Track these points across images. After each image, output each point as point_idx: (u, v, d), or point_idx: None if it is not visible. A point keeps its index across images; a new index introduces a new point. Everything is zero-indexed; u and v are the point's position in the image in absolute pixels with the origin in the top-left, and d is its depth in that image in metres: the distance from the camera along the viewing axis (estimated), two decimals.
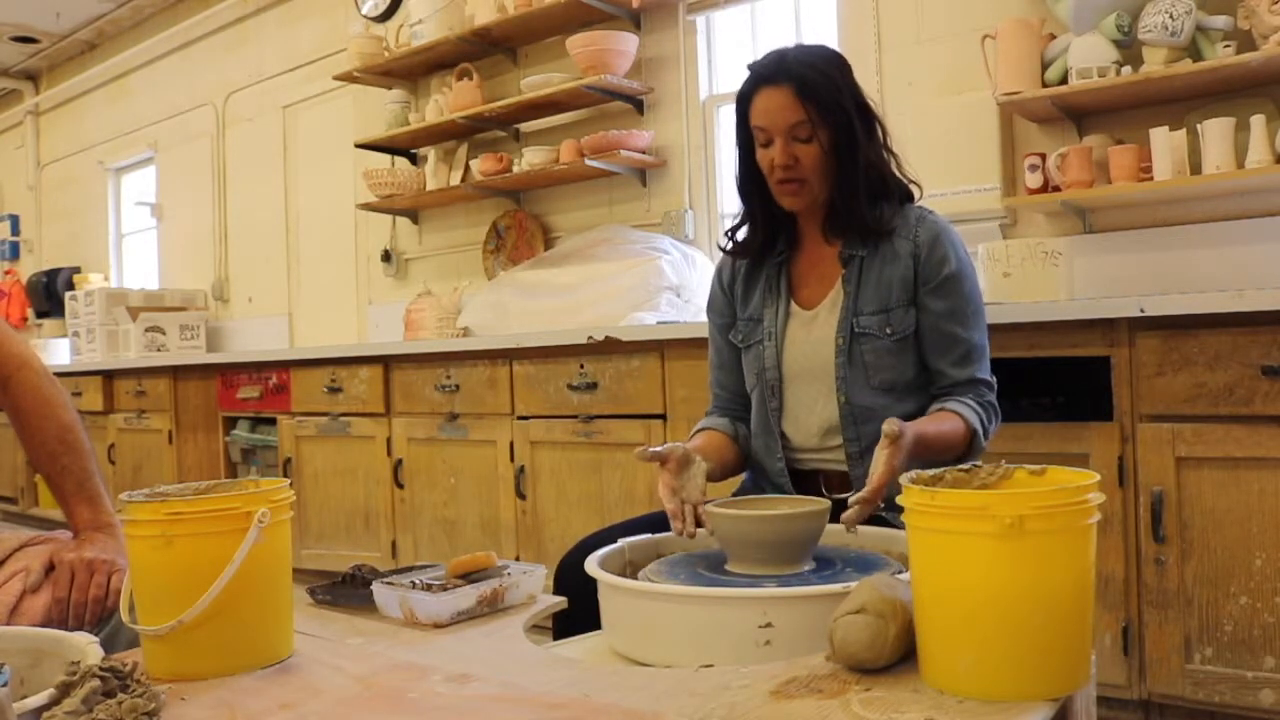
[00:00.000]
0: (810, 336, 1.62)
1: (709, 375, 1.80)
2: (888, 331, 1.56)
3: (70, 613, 1.34)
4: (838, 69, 1.57)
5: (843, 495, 1.56)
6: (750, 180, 1.65)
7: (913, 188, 1.66)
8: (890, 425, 1.31)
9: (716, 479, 1.61)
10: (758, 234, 1.68)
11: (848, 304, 1.58)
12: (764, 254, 1.69)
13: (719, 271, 1.77)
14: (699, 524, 1.38)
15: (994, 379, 1.60)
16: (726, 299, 1.74)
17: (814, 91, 1.52)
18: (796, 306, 1.65)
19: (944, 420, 1.50)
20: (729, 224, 1.78)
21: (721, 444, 1.67)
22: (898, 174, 1.63)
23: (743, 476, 1.76)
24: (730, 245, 1.72)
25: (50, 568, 1.38)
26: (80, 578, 1.35)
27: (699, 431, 1.72)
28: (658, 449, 1.43)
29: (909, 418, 1.54)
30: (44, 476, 1.53)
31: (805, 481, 1.63)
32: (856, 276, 1.59)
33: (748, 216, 1.69)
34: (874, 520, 1.51)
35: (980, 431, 1.53)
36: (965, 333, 1.56)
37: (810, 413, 1.61)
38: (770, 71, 1.56)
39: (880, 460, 1.31)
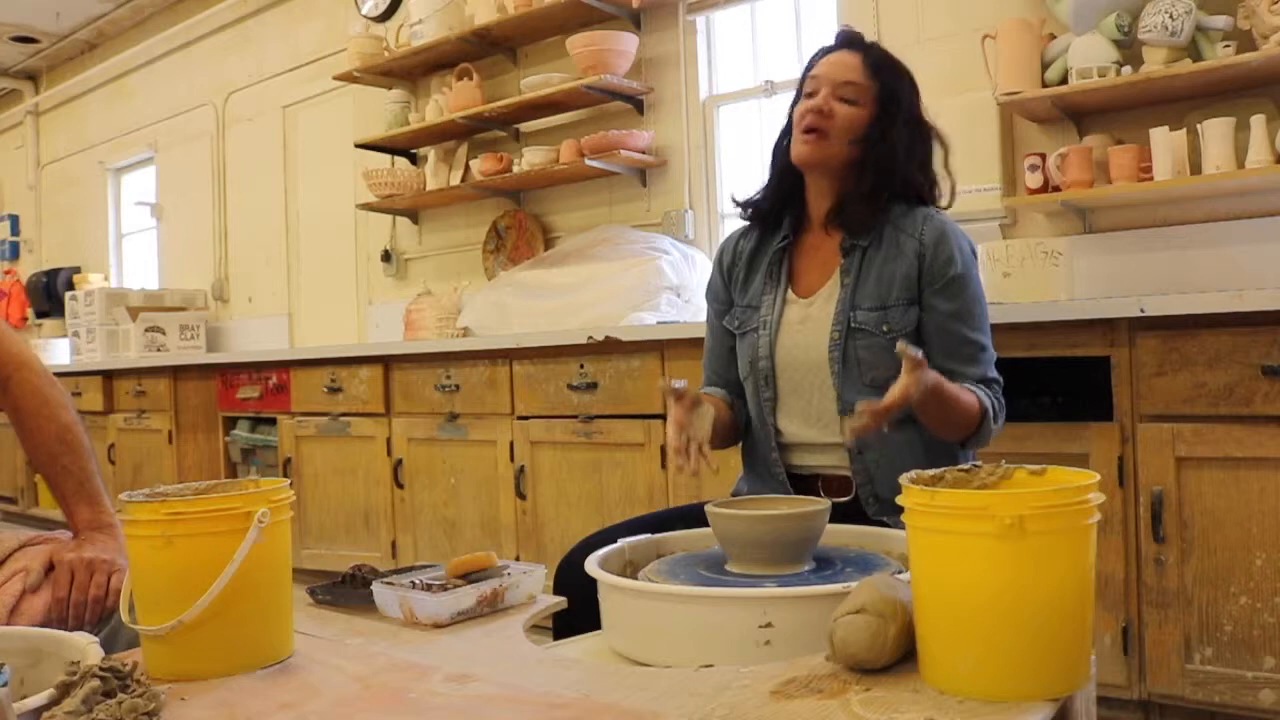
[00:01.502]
0: (805, 327, 1.60)
1: (703, 358, 1.79)
2: (884, 329, 1.55)
3: (70, 612, 1.34)
4: (909, 80, 1.64)
5: (842, 499, 1.56)
6: (784, 153, 1.65)
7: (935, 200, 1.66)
8: (913, 351, 1.30)
9: (715, 445, 1.61)
10: (767, 200, 1.69)
11: (845, 296, 1.57)
12: (768, 233, 1.69)
13: (720, 256, 1.77)
14: (699, 505, 1.39)
15: (1000, 378, 1.60)
16: (724, 283, 1.74)
17: (880, 70, 1.58)
18: (794, 294, 1.64)
19: (962, 390, 1.49)
20: (729, 223, 1.80)
21: (720, 405, 1.67)
22: (929, 193, 1.64)
23: (740, 476, 1.75)
24: (742, 209, 1.72)
25: (50, 567, 1.38)
26: (80, 577, 1.35)
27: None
28: (678, 384, 1.44)
29: (905, 417, 1.54)
30: (44, 476, 1.53)
31: (804, 486, 1.62)
32: (856, 268, 1.58)
33: (767, 186, 1.70)
34: (874, 522, 1.51)
35: (991, 415, 1.52)
36: (973, 334, 1.56)
37: (805, 405, 1.60)
38: (852, 39, 1.63)
39: (899, 384, 1.30)
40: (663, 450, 2.88)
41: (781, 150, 1.66)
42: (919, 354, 1.30)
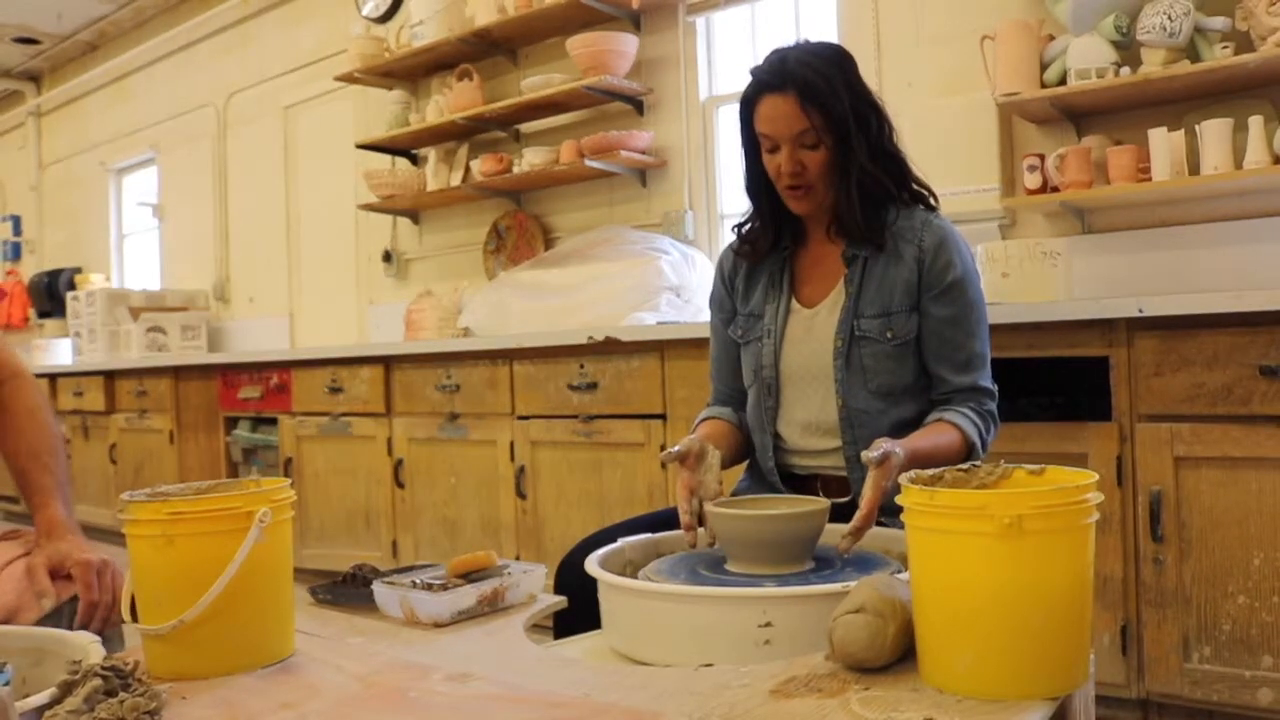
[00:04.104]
0: (809, 336, 1.61)
1: (710, 367, 1.80)
2: (888, 336, 1.55)
3: (99, 614, 1.34)
4: (840, 69, 1.55)
5: (841, 500, 1.56)
6: (757, 181, 1.64)
7: (928, 196, 1.64)
8: (872, 451, 1.29)
9: (726, 465, 1.61)
10: (766, 233, 1.67)
11: (849, 305, 1.58)
12: (771, 252, 1.68)
13: (720, 265, 1.76)
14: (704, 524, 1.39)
15: (995, 387, 1.59)
16: (727, 293, 1.74)
17: (818, 98, 1.50)
18: (797, 304, 1.64)
19: (940, 433, 1.49)
20: (729, 224, 1.79)
21: (727, 432, 1.67)
22: (909, 178, 1.62)
23: (741, 475, 1.76)
24: (740, 246, 1.71)
25: (50, 572, 1.38)
26: (105, 580, 1.36)
27: (703, 421, 1.72)
28: (677, 449, 1.42)
29: (907, 423, 1.54)
30: (20, 470, 1.53)
31: (802, 486, 1.63)
32: (859, 277, 1.58)
33: (756, 216, 1.69)
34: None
35: (978, 444, 1.51)
36: (967, 340, 1.55)
37: (807, 413, 1.60)
38: (773, 78, 1.53)
39: (868, 487, 1.30)
40: (663, 450, 2.88)
41: (761, 191, 1.64)
42: (877, 455, 1.29)
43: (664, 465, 1.43)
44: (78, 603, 1.35)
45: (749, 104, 1.58)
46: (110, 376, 5.06)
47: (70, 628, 1.30)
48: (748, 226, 1.71)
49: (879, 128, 1.57)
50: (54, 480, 1.50)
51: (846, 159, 1.54)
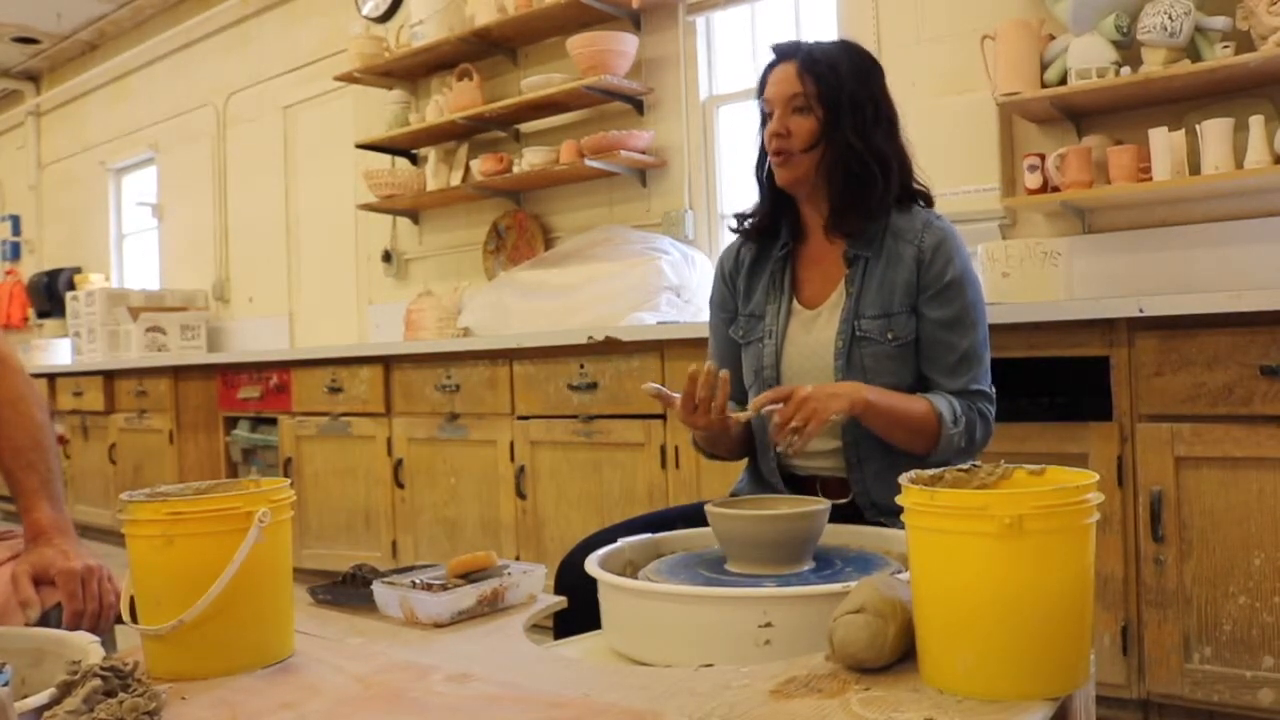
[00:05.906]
0: (810, 337, 1.61)
1: None
2: (889, 336, 1.55)
3: (85, 624, 1.33)
4: (851, 60, 1.59)
5: (841, 500, 1.56)
6: (763, 163, 1.66)
7: (925, 198, 1.65)
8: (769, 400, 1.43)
9: (731, 451, 1.67)
10: (763, 218, 1.69)
11: (850, 305, 1.57)
12: (767, 242, 1.69)
13: (721, 265, 1.77)
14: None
15: (993, 391, 1.58)
16: (728, 292, 1.74)
17: (815, 69, 1.56)
18: (798, 305, 1.64)
19: (910, 399, 1.51)
20: (729, 224, 1.80)
21: (735, 419, 1.67)
22: (908, 175, 1.62)
23: (741, 475, 1.76)
24: (739, 225, 1.73)
25: (34, 580, 1.36)
26: (91, 588, 1.35)
27: None
28: (665, 391, 1.47)
29: None
30: (5, 470, 1.50)
31: (802, 487, 1.62)
32: (860, 278, 1.58)
33: (761, 201, 1.70)
34: (871, 522, 1.52)
35: (947, 419, 1.48)
36: (961, 342, 1.54)
37: None
38: (783, 49, 1.62)
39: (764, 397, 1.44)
40: (663, 450, 2.89)
41: (765, 173, 1.66)
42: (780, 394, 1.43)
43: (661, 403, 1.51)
44: (63, 610, 1.35)
45: (762, 79, 1.63)
46: (110, 376, 5.06)
47: None
48: (753, 215, 1.72)
49: (874, 119, 1.58)
50: (39, 479, 1.46)
51: (833, 133, 1.55)
